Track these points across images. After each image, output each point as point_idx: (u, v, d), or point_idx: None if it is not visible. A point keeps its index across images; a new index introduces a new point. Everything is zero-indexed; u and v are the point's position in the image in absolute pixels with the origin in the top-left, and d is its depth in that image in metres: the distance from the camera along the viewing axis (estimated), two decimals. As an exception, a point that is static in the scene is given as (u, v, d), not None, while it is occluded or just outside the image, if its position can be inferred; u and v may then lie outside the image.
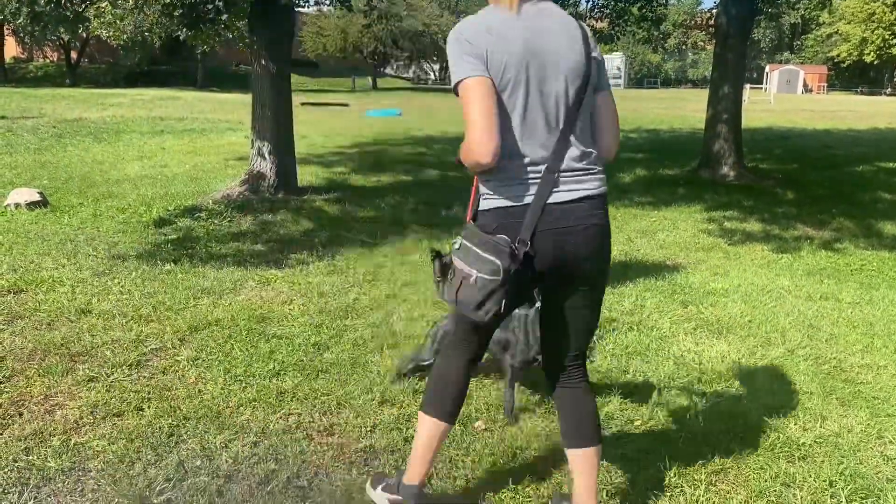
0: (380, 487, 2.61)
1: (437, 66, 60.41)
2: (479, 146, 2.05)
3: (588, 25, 15.90)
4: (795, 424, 3.31)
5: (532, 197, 2.13)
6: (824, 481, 2.84)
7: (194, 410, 3.29)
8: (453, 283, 2.18)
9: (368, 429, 3.20)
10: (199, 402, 3.38)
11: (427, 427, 2.44)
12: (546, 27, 2.15)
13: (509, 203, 2.14)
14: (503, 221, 2.14)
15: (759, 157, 13.64)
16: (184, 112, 21.24)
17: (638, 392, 3.58)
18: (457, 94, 2.11)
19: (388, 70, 54.05)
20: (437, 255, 2.34)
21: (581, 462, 2.39)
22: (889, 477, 2.88)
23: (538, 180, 2.13)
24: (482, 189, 2.21)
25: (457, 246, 2.20)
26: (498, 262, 2.08)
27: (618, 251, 6.48)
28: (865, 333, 4.57)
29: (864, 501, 2.73)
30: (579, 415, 2.41)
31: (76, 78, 36.81)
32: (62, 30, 32.67)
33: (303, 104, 24.24)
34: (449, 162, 12.39)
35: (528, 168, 2.13)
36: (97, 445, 2.97)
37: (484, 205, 2.20)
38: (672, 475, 2.86)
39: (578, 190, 2.17)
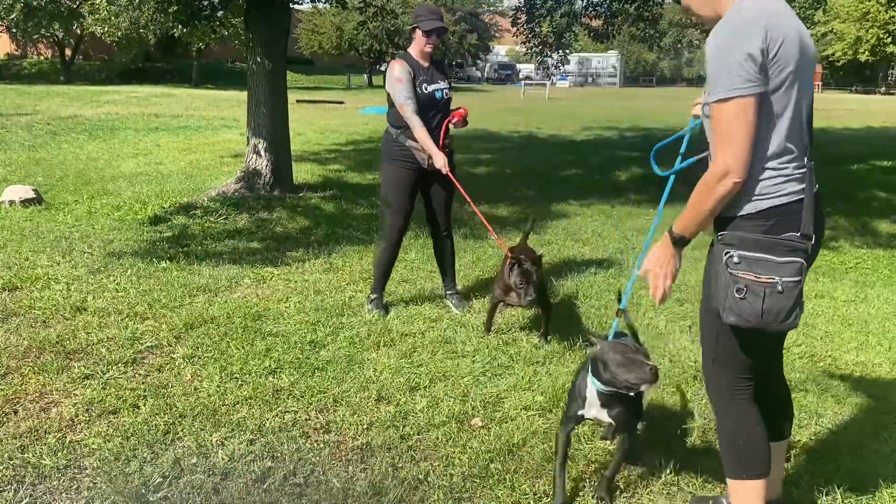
0: None
1: (432, 64, 60.37)
2: (729, 179, 2.00)
3: (583, 24, 15.87)
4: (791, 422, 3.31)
5: (804, 192, 2.09)
6: (820, 479, 2.84)
7: (190, 408, 3.29)
8: (748, 301, 2.03)
9: (365, 426, 3.20)
10: (195, 399, 3.38)
11: (753, 490, 2.30)
12: (795, 17, 2.11)
13: (786, 200, 2.08)
14: (781, 219, 2.07)
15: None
16: (179, 109, 21.17)
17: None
18: (710, 102, 2.03)
19: (384, 67, 54.01)
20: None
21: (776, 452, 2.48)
22: (885, 475, 2.89)
23: (804, 174, 2.10)
24: (743, 190, 2.06)
25: (735, 260, 2.07)
26: (800, 260, 2.04)
27: (613, 249, 6.48)
28: (860, 331, 4.58)
29: (860, 499, 2.74)
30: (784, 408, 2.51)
31: (70, 75, 36.63)
32: (56, 26, 32.59)
33: (298, 102, 24.19)
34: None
35: (797, 163, 2.10)
36: (93, 443, 2.97)
37: (754, 206, 2.09)
38: (668, 473, 2.86)
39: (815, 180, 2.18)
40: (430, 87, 4.41)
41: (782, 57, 2.00)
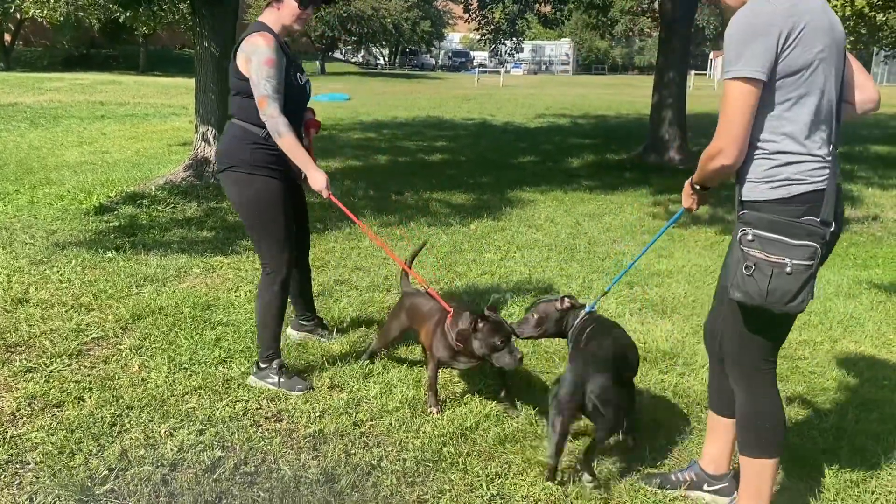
0: None
1: (385, 51, 59.96)
2: (718, 160, 2.12)
3: (535, 11, 15.88)
4: (736, 400, 3.39)
5: (827, 179, 2.11)
6: (763, 454, 2.92)
7: (138, 399, 3.22)
8: (755, 279, 2.08)
9: (317, 414, 3.18)
10: (142, 390, 3.31)
11: (767, 469, 2.36)
12: (822, 3, 2.12)
13: (811, 188, 2.10)
14: (803, 205, 2.10)
15: (703, 141, 13.70)
16: (126, 97, 20.65)
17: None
18: (724, 79, 2.08)
19: (337, 54, 53.41)
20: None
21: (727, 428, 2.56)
22: (824, 448, 2.99)
23: (830, 161, 2.13)
24: (771, 174, 2.12)
25: (749, 238, 2.11)
26: (815, 245, 2.07)
27: (566, 234, 6.55)
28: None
29: (801, 471, 2.82)
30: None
31: (10, 61, 35.36)
32: (-7, 10, 31.34)
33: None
34: (398, 147, 12.35)
35: (825, 150, 2.12)
36: (35, 437, 2.89)
37: (779, 193, 2.11)
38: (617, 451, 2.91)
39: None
40: (304, 78, 3.43)
41: (806, 40, 2.03)
